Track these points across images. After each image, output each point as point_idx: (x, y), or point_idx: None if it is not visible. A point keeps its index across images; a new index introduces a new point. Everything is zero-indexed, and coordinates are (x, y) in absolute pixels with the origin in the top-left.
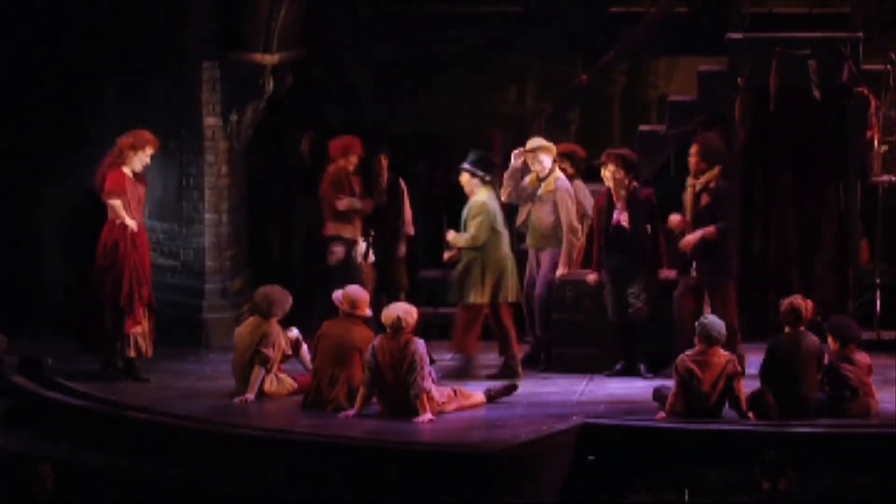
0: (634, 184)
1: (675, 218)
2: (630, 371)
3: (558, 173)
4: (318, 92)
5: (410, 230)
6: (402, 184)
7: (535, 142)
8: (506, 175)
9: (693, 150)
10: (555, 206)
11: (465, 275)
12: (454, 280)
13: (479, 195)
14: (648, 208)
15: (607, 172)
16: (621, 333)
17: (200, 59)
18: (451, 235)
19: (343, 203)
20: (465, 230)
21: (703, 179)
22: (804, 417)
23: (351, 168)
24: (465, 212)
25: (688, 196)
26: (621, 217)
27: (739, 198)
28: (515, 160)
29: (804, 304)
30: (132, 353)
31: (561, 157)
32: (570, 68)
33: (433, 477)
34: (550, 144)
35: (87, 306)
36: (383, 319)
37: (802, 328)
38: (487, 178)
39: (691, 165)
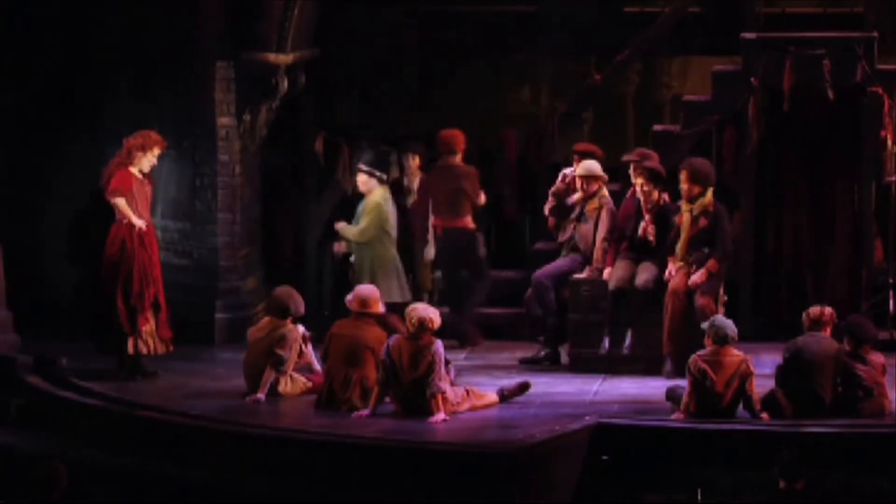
0: (664, 196)
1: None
2: (618, 340)
3: (604, 191)
4: (332, 92)
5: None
6: None
7: (591, 169)
8: (551, 190)
9: (682, 176)
10: (597, 224)
11: (355, 274)
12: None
13: (375, 195)
14: (671, 222)
15: (637, 185)
16: (615, 299)
17: (214, 59)
18: (340, 225)
19: (483, 198)
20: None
21: (699, 204)
22: (816, 418)
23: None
24: (359, 208)
25: (685, 219)
26: (648, 229)
27: (731, 219)
28: (561, 182)
29: (821, 311)
30: (143, 350)
31: (579, 157)
32: (583, 68)
33: (446, 477)
34: (603, 175)
35: (101, 306)
36: (406, 319)
37: (824, 331)
38: (384, 178)
39: (683, 192)
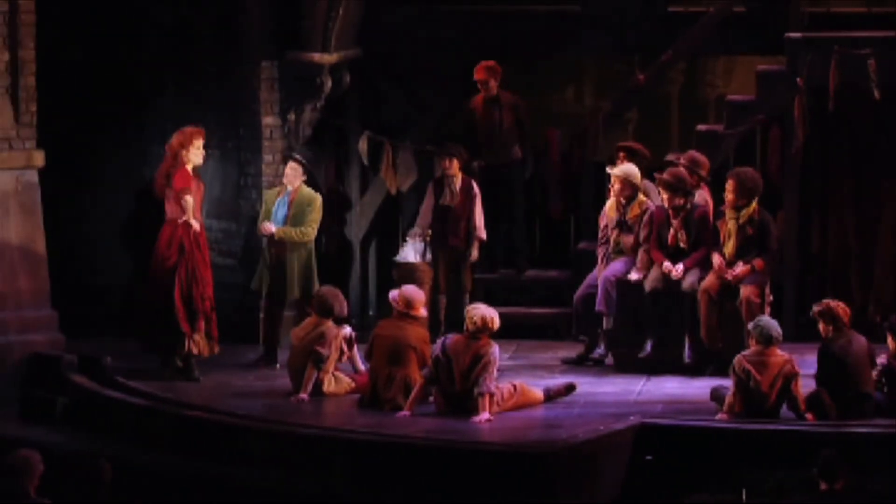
0: (688, 203)
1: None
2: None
3: (642, 197)
4: (376, 91)
5: (482, 234)
6: (476, 187)
7: (629, 173)
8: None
9: (729, 185)
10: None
11: (304, 270)
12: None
13: (308, 189)
14: (701, 226)
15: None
16: (652, 301)
17: (259, 59)
18: (279, 230)
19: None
20: (284, 220)
21: (745, 213)
22: (862, 417)
23: None
24: (283, 200)
25: (731, 227)
26: (679, 236)
27: (777, 225)
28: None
29: (836, 305)
30: (195, 350)
31: (625, 153)
32: (627, 67)
33: (490, 476)
34: (639, 185)
35: (153, 308)
36: (467, 318)
37: (848, 329)
38: (311, 169)
39: (728, 201)
